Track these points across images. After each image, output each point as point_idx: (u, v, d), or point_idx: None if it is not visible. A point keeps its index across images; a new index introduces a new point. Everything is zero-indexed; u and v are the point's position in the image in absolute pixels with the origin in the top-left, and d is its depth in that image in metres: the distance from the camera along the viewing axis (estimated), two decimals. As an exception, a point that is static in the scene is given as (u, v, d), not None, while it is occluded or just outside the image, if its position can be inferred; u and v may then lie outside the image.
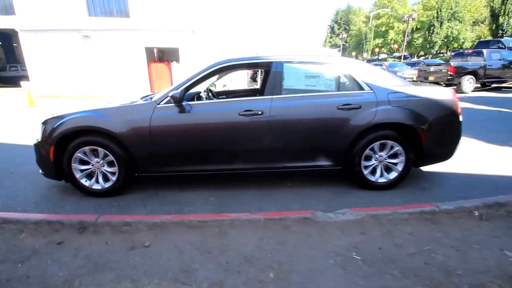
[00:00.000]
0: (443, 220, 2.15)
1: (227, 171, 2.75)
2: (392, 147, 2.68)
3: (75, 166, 2.62)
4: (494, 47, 14.52)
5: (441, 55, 35.98)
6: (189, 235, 1.99)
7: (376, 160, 2.73)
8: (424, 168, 3.26)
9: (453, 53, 14.72)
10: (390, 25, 41.56)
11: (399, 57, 30.93)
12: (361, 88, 2.67)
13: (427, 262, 1.70)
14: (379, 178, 2.76)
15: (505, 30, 23.51)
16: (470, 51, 12.35)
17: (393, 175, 2.76)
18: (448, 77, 11.02)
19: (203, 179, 3.11)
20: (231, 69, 3.07)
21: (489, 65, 10.93)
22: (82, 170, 2.65)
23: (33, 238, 1.98)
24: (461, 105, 2.88)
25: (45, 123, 2.64)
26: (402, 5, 42.27)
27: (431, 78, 11.86)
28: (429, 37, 33.97)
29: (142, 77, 12.86)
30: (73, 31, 12.23)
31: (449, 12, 32.60)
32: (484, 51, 11.27)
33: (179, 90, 2.57)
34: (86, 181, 2.69)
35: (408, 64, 19.36)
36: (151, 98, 2.77)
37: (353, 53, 49.02)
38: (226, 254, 1.81)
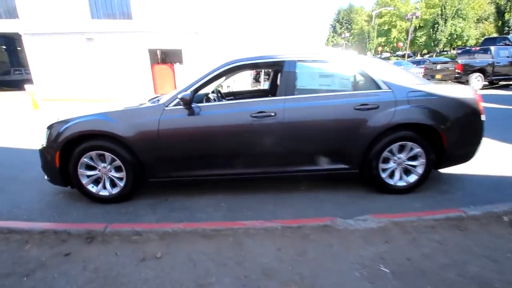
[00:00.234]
0: (471, 227, 2.02)
1: (238, 176, 2.64)
2: (411, 149, 2.55)
3: (82, 171, 2.53)
4: (501, 44, 14.26)
5: (445, 53, 35.69)
6: (202, 245, 1.88)
7: (394, 163, 2.60)
8: (442, 170, 3.12)
9: (458, 51, 14.50)
10: (393, 23, 41.29)
11: (403, 56, 30.67)
12: (379, 87, 2.55)
13: (460, 274, 1.58)
14: (397, 181, 2.64)
15: (511, 27, 23.23)
16: (477, 48, 12.11)
17: (412, 178, 2.63)
18: (456, 75, 10.81)
19: (211, 183, 3.00)
20: (242, 69, 2.95)
21: (497, 63, 10.72)
22: (88, 176, 2.56)
23: (39, 249, 1.88)
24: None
25: (50, 127, 2.56)
26: (405, 3, 41.99)
27: (437, 76, 11.63)
28: (434, 35, 33.65)
29: (145, 79, 12.79)
30: (76, 34, 12.22)
31: (453, 10, 32.32)
32: (492, 48, 11.05)
33: (188, 92, 2.47)
34: (93, 187, 2.60)
35: (413, 62, 19.15)
36: (158, 101, 2.67)
37: (356, 52, 48.68)
38: (243, 266, 1.70)
